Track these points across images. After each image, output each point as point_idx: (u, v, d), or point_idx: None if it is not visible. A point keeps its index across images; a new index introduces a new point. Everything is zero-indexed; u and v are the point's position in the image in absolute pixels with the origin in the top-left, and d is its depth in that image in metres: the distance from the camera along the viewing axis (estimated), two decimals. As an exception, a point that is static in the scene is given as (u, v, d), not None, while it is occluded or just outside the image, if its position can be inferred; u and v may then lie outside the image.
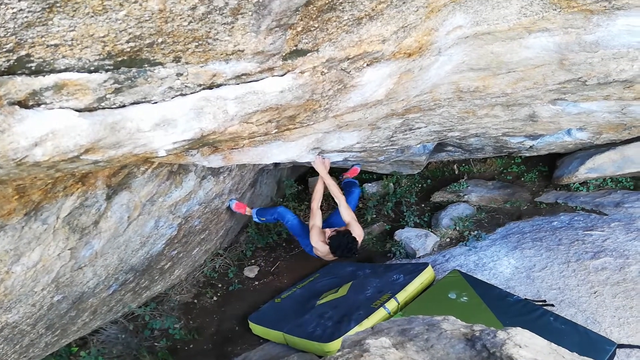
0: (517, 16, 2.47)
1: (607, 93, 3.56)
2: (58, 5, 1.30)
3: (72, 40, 1.41)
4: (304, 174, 7.11)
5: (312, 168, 4.58)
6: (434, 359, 1.58)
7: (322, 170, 4.27)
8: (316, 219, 4.24)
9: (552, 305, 3.60)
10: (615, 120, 4.21)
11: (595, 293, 3.67)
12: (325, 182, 4.33)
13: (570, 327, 3.25)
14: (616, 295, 3.60)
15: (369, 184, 6.47)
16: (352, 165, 5.43)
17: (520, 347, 1.49)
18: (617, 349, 3.12)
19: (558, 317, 3.36)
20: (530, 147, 5.17)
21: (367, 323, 3.54)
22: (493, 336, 1.58)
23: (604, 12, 2.45)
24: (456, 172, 6.57)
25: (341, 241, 3.98)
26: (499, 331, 1.60)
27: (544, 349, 1.55)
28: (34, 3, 1.26)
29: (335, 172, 6.62)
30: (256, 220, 4.94)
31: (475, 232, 4.91)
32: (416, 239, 5.02)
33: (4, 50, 1.33)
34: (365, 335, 1.85)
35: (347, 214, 4.21)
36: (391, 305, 3.76)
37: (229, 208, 4.75)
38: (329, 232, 4.16)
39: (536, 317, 3.37)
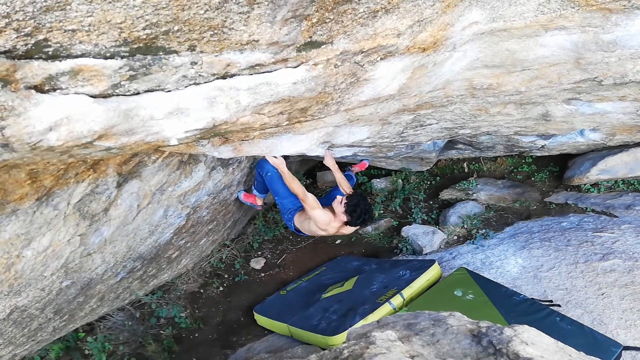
0: (535, 13, 2.44)
1: (623, 94, 3.52)
2: (76, -10, 1.31)
3: (89, 25, 1.41)
4: (312, 168, 7.11)
5: (321, 162, 4.56)
6: (440, 353, 1.58)
7: (333, 164, 4.27)
8: (310, 200, 3.85)
9: (559, 305, 3.59)
10: (630, 122, 4.16)
11: (602, 295, 3.65)
12: (335, 176, 4.33)
13: (576, 327, 3.24)
14: (624, 297, 3.58)
15: (378, 180, 6.46)
16: (361, 160, 5.41)
17: (527, 344, 1.49)
18: (623, 351, 3.10)
19: (564, 318, 3.34)
20: (542, 146, 5.13)
21: (372, 318, 3.54)
22: (500, 333, 1.57)
23: (623, 11, 2.42)
24: (466, 170, 6.54)
25: (360, 201, 3.75)
26: (506, 328, 1.59)
27: (550, 347, 1.55)
28: (53, -13, 1.26)
29: (343, 167, 6.62)
30: (257, 194, 4.50)
31: (483, 230, 4.89)
32: (423, 235, 5.01)
33: (22, 34, 1.33)
34: (371, 328, 1.85)
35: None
36: (397, 301, 3.76)
37: (237, 199, 4.76)
38: (340, 198, 3.87)
39: (542, 316, 3.36)
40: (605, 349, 3.05)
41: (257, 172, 4.27)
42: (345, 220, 3.80)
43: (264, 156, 4.16)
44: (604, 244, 4.18)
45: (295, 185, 3.85)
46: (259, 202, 4.59)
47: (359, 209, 3.73)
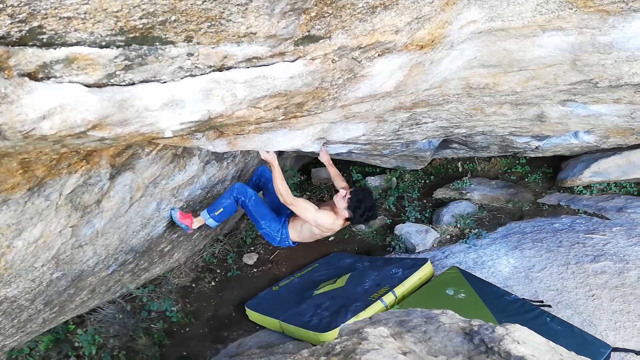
0: (533, 13, 2.44)
1: (618, 96, 3.54)
2: (72, -24, 1.29)
3: (85, 13, 1.39)
4: (307, 164, 7.10)
5: (316, 159, 4.53)
6: (432, 350, 1.58)
7: (328, 160, 4.26)
8: (301, 203, 3.63)
9: (549, 306, 3.61)
10: (624, 125, 4.18)
11: (593, 296, 3.67)
12: (329, 171, 4.30)
13: (566, 328, 3.26)
14: (614, 299, 3.61)
15: (372, 178, 6.46)
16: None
17: (518, 343, 1.50)
18: (612, 352, 3.13)
19: (554, 318, 3.37)
20: (536, 147, 5.15)
21: (364, 315, 3.55)
22: (491, 331, 1.58)
23: (620, 14, 2.42)
24: (460, 170, 6.56)
25: (364, 196, 3.51)
26: (498, 327, 1.60)
27: (541, 346, 1.56)
28: (48, -27, 1.25)
29: (339, 164, 6.62)
30: (211, 219, 3.89)
31: (476, 230, 4.91)
32: (416, 234, 5.02)
33: (17, 20, 1.31)
34: (364, 325, 1.85)
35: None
36: (388, 298, 3.77)
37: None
38: (343, 192, 3.59)
39: (533, 317, 3.38)
40: (594, 350, 3.08)
41: (234, 198, 3.85)
42: (347, 216, 3.61)
43: (239, 178, 3.97)
44: (595, 245, 4.21)
45: (285, 185, 3.62)
46: (196, 226, 3.96)
47: (364, 206, 3.53)
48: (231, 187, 3.93)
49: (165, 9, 1.50)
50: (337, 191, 3.84)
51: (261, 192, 4.33)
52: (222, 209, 3.87)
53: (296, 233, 3.92)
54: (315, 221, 3.63)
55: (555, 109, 3.90)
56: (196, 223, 3.95)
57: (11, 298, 2.88)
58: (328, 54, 2.13)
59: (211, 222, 3.94)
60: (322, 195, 6.26)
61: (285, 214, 4.02)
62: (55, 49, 1.46)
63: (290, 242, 4.00)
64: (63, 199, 2.66)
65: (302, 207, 3.62)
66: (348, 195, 3.57)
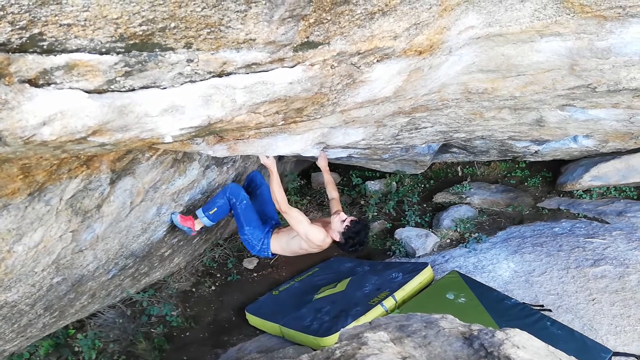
0: (530, 19, 2.46)
1: (616, 101, 3.55)
2: (73, -16, 1.30)
3: (85, 20, 1.41)
4: (307, 169, 7.11)
5: (315, 163, 4.49)
6: (432, 355, 1.59)
7: (325, 166, 4.26)
8: (295, 214, 3.60)
9: (550, 310, 3.61)
10: (623, 129, 4.19)
11: (593, 300, 3.67)
12: (324, 177, 4.27)
13: (566, 332, 3.26)
14: (614, 303, 3.60)
15: (372, 182, 6.47)
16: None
17: (518, 347, 1.50)
18: (613, 357, 3.13)
19: (555, 322, 3.37)
20: (536, 152, 5.16)
21: (364, 319, 3.54)
22: (491, 336, 1.58)
23: (617, 19, 2.44)
24: (460, 174, 6.56)
25: (362, 230, 3.52)
26: (497, 331, 1.60)
27: (541, 351, 1.56)
28: (49, -19, 1.26)
29: (338, 168, 6.63)
30: (206, 219, 3.87)
31: (476, 234, 4.91)
32: (416, 238, 5.02)
33: (17, 27, 1.33)
34: (363, 329, 1.86)
35: (336, 205, 3.94)
36: (389, 303, 3.76)
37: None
38: (343, 216, 3.57)
39: (533, 321, 3.38)
40: (595, 354, 3.08)
41: (227, 198, 3.84)
42: (337, 240, 3.60)
43: (238, 182, 3.89)
44: (596, 250, 4.21)
45: (281, 192, 3.61)
46: (198, 227, 3.95)
47: (357, 238, 3.53)
48: (225, 186, 3.92)
49: (165, 16, 1.51)
50: (335, 210, 3.83)
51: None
52: (216, 209, 3.87)
53: (279, 245, 3.87)
54: (306, 235, 3.60)
55: (554, 114, 3.91)
56: (197, 224, 3.94)
57: (11, 303, 2.88)
58: (327, 59, 2.14)
59: (206, 221, 3.91)
60: (322, 200, 6.26)
61: (269, 225, 3.98)
62: (55, 55, 1.48)
63: (270, 253, 3.94)
64: (63, 204, 2.67)
65: (295, 217, 3.59)
66: (347, 223, 3.54)
